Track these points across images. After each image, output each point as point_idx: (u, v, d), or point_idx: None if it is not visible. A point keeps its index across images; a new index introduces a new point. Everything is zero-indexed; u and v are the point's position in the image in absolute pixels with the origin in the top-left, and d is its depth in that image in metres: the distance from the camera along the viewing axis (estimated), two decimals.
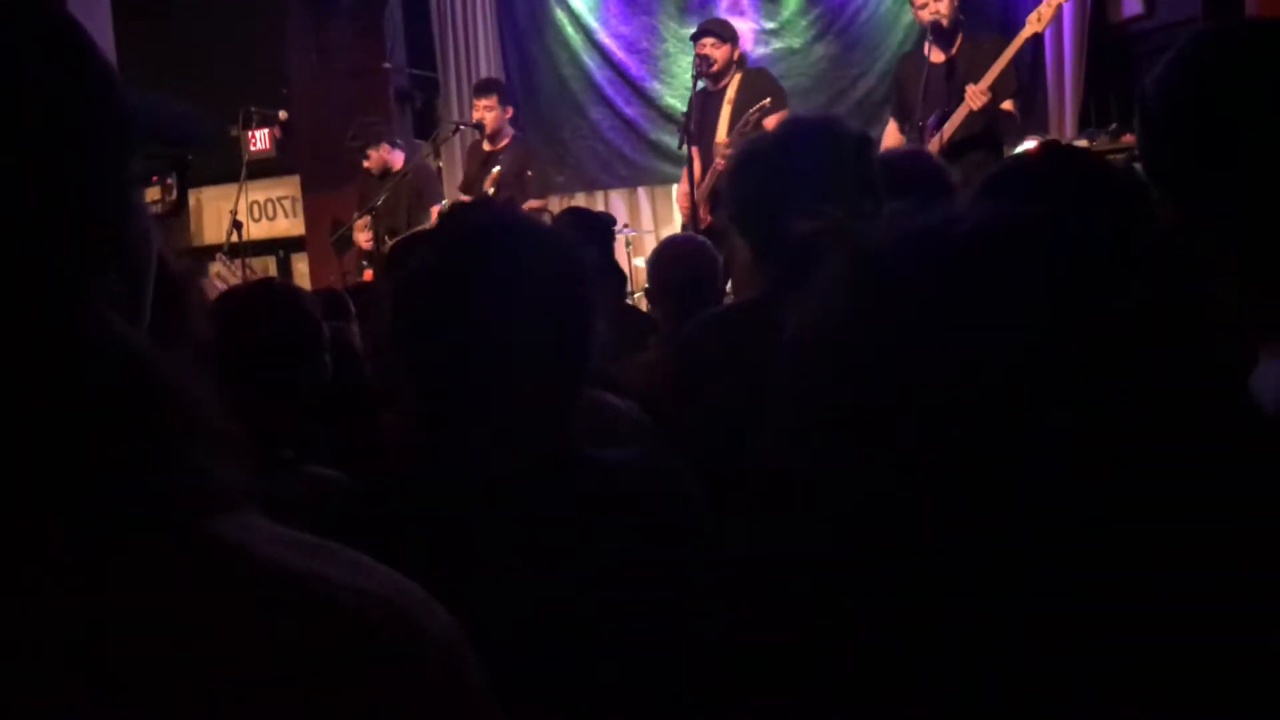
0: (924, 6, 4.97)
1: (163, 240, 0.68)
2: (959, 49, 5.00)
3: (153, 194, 0.73)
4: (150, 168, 0.72)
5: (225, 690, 0.53)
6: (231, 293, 1.91)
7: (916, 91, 4.92)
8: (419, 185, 6.24)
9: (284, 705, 0.54)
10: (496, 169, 5.83)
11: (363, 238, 6.35)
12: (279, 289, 2.08)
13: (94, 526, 0.53)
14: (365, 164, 6.40)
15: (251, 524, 0.60)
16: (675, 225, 7.32)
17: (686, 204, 5.50)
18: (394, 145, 6.47)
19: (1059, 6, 4.85)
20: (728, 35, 5.59)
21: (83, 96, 0.60)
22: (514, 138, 6.22)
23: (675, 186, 5.97)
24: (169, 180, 0.75)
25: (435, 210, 6.07)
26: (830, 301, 0.56)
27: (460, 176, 6.62)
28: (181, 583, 0.55)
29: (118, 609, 0.53)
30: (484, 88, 6.26)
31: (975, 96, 4.68)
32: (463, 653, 0.61)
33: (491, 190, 5.79)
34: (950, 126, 4.76)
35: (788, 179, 1.72)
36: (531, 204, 5.89)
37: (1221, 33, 1.16)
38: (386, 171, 6.36)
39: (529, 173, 6.09)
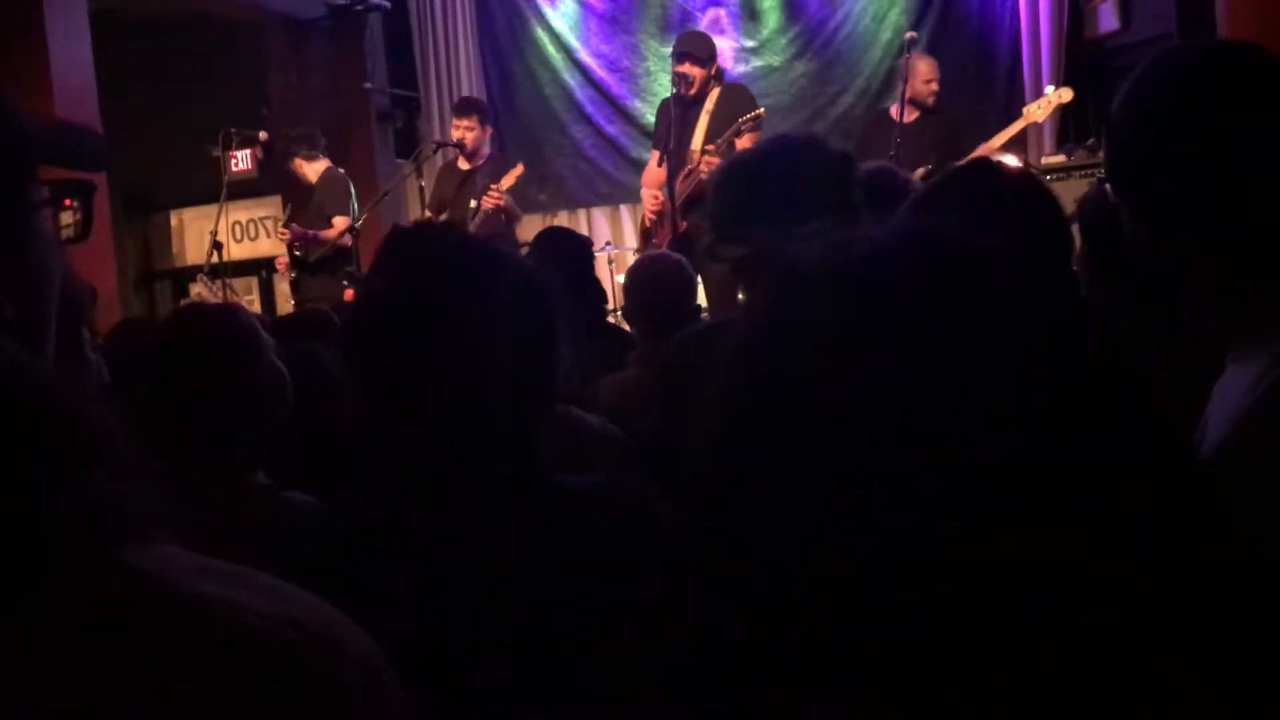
0: (930, 80, 5.58)
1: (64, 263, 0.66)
2: (931, 116, 5.60)
3: (66, 218, 0.72)
4: (57, 192, 0.70)
5: None
6: (158, 324, 1.88)
7: (884, 148, 5.24)
8: (320, 198, 6.23)
9: None
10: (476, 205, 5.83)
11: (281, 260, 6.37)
12: (206, 309, 2.05)
13: None
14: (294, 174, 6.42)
15: (162, 551, 0.58)
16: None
17: (653, 204, 5.55)
18: (311, 156, 6.42)
19: (1057, 106, 5.58)
20: (705, 56, 5.63)
21: None
22: (490, 156, 6.23)
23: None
24: (75, 204, 0.73)
25: (338, 222, 6.11)
26: (753, 316, 0.59)
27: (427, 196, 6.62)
28: (85, 613, 0.53)
29: (15, 641, 0.51)
30: (463, 108, 6.26)
31: None
32: (382, 672, 0.59)
33: (473, 208, 5.80)
34: None
35: (768, 196, 1.72)
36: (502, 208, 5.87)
37: (1183, 52, 1.19)
38: (309, 184, 6.40)
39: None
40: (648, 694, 0.60)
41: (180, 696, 0.52)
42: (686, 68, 5.52)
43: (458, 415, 1.20)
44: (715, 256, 1.78)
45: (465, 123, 6.08)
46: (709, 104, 5.50)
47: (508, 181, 5.89)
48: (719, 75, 5.74)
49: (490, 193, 5.78)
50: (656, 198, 5.56)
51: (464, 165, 6.15)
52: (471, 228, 5.54)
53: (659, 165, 5.56)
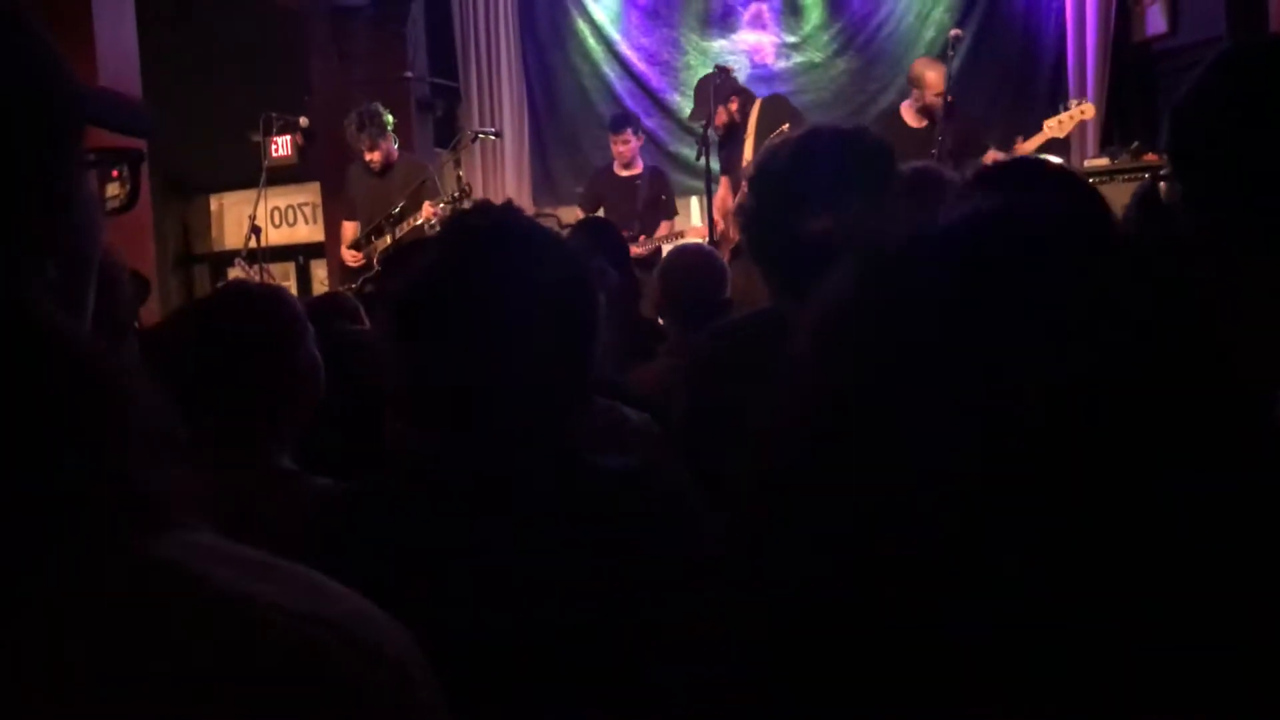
0: (939, 92, 5.45)
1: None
2: (945, 122, 5.48)
3: (113, 189, 0.69)
4: (105, 160, 0.66)
5: None
6: (201, 301, 1.84)
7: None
8: (416, 180, 5.85)
9: None
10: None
11: (349, 255, 6.06)
12: (253, 289, 2.02)
13: (6, 545, 0.48)
14: (370, 156, 5.92)
15: (196, 541, 0.53)
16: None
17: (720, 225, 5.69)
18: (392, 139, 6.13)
19: (1080, 121, 5.44)
20: (701, 102, 5.90)
21: (21, 71, 0.55)
22: (646, 165, 6.50)
23: (695, 199, 6.19)
24: (122, 174, 0.68)
25: (429, 205, 5.70)
26: (837, 297, 0.57)
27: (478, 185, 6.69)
28: (110, 609, 0.49)
29: (33, 641, 0.48)
30: (619, 123, 6.51)
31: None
32: (416, 676, 0.55)
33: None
34: None
35: (803, 189, 1.68)
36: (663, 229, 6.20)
37: (1264, 43, 1.15)
38: (388, 165, 6.01)
39: (663, 196, 6.36)
40: (684, 675, 0.59)
41: (203, 703, 0.48)
42: (716, 122, 5.79)
43: (498, 395, 1.21)
44: (783, 233, 1.68)
45: (622, 137, 6.38)
46: (750, 125, 5.60)
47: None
48: (745, 92, 5.96)
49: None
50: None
51: (621, 172, 6.44)
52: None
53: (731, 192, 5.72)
